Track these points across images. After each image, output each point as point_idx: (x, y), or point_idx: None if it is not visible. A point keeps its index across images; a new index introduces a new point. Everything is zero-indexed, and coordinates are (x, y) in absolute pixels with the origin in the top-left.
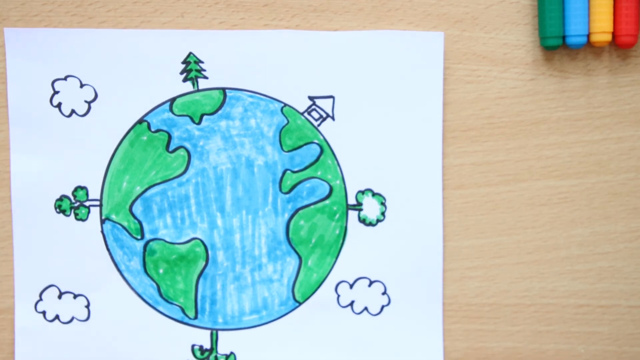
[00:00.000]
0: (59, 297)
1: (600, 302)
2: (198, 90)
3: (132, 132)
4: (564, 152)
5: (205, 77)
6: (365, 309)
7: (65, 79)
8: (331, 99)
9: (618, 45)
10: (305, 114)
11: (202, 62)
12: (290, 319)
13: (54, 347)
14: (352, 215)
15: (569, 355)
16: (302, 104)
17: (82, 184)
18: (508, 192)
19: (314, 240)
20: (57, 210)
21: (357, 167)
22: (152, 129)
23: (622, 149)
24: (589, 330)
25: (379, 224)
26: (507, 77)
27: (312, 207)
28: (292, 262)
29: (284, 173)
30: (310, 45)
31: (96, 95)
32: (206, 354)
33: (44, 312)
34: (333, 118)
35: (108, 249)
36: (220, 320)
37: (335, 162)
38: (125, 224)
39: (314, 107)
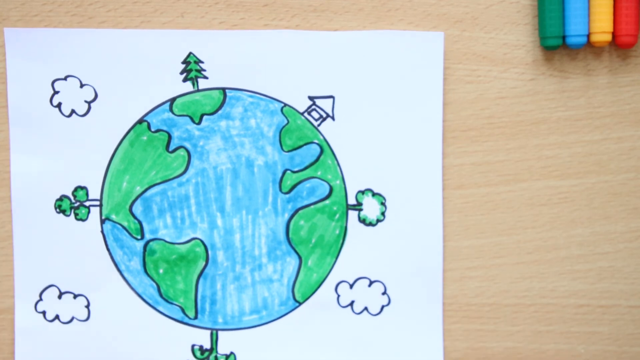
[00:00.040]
0: (59, 297)
1: (600, 302)
2: (198, 90)
3: (132, 132)
4: (564, 152)
5: (205, 77)
6: (365, 309)
7: (65, 79)
8: (331, 99)
9: (618, 45)
10: (305, 114)
11: (202, 62)
12: (290, 319)
13: (54, 347)
14: (352, 215)
15: (569, 355)
16: (302, 104)
17: (82, 184)
18: (508, 192)
19: (314, 240)
20: (57, 210)
21: (357, 167)
22: (152, 129)
23: (622, 149)
24: (589, 330)
25: (379, 224)
26: (507, 77)
27: (312, 207)
28: (292, 262)
29: (284, 173)
30: (310, 45)
31: (96, 95)
32: (206, 354)
33: (44, 312)
34: (333, 118)
35: (108, 249)
36: (220, 320)
37: (335, 162)
38: (125, 224)
39: (314, 107)
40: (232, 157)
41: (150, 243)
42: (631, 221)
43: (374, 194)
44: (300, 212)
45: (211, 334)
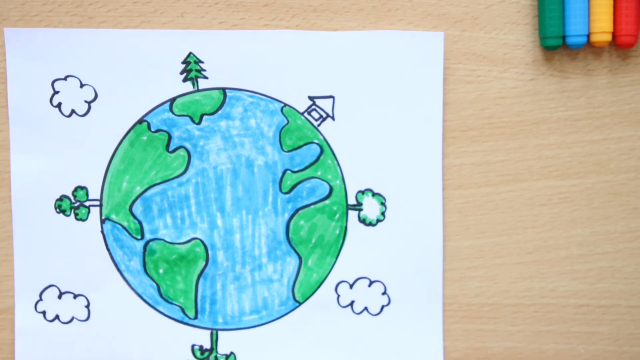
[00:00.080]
0: (59, 297)
1: (600, 302)
2: (198, 90)
3: (132, 132)
4: (564, 152)
5: (205, 77)
6: (365, 309)
7: (65, 79)
8: (331, 99)
9: (618, 45)
10: (305, 114)
11: (202, 62)
12: (290, 319)
13: (54, 347)
14: (352, 215)
15: (569, 355)
16: (302, 104)
17: (82, 184)
18: (508, 192)
19: (314, 240)
20: (57, 210)
21: (357, 167)
22: (152, 129)
23: (622, 149)
24: (589, 330)
25: (379, 224)
26: (507, 77)
27: (312, 207)
28: (292, 262)
29: (284, 173)
30: (310, 45)
31: (96, 95)
32: (206, 354)
33: (44, 312)
34: (333, 118)
35: (108, 249)
36: (220, 320)
37: (335, 162)
38: (125, 224)
39: (314, 107)
40: (232, 157)
41: (150, 243)
42: (631, 221)
43: (374, 194)
44: (300, 212)
45: (211, 334)
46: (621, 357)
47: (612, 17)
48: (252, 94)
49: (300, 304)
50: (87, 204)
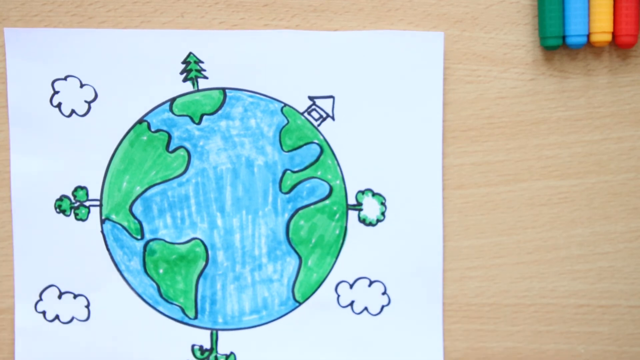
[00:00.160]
0: (59, 297)
1: (600, 302)
2: (198, 90)
3: (132, 132)
4: (564, 152)
5: (205, 77)
6: (365, 309)
7: (65, 79)
8: (331, 99)
9: (618, 45)
10: (305, 114)
11: (202, 62)
12: (290, 319)
13: (54, 347)
14: (352, 215)
15: (569, 355)
16: (302, 104)
17: (82, 184)
18: (508, 192)
19: (314, 240)
20: (57, 210)
21: (357, 167)
22: (152, 129)
23: (622, 149)
24: (589, 330)
25: (379, 224)
26: (507, 77)
27: (312, 207)
28: (292, 262)
29: (284, 173)
30: (310, 45)
31: (96, 95)
32: (206, 354)
33: (44, 312)
34: (333, 118)
35: (108, 249)
36: (220, 320)
37: (335, 162)
38: (125, 224)
39: (314, 107)
40: (232, 157)
41: (150, 243)
42: (631, 221)
43: (374, 194)
44: (300, 212)
45: (211, 334)
46: (621, 357)
47: (612, 17)
48: (252, 94)
49: (300, 304)
50: (87, 204)
